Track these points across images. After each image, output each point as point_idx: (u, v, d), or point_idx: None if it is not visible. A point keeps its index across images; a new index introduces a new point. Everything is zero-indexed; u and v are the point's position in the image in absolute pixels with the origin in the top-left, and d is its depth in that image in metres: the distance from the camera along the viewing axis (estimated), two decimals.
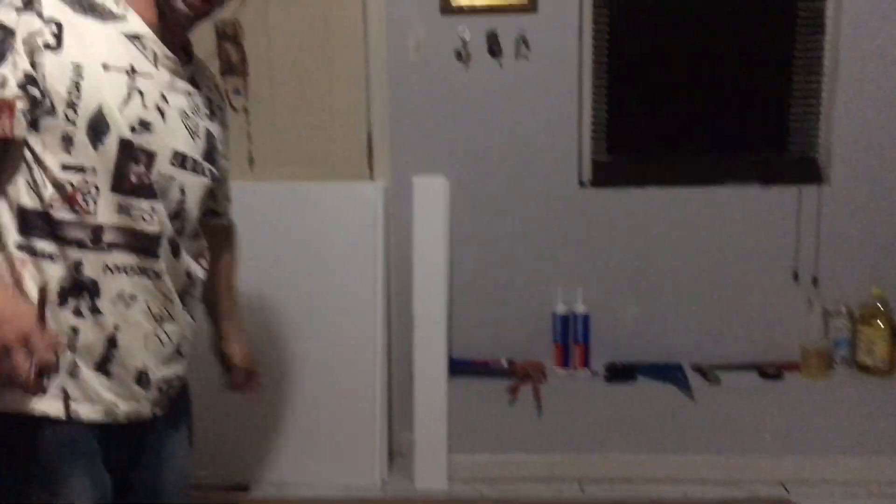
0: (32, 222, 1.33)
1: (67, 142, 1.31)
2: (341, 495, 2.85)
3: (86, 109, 1.31)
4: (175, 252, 1.45)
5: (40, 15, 1.29)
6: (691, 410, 2.85)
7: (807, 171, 2.94)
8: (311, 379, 2.90)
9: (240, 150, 3.00)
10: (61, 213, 1.33)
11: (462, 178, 2.97)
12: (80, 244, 1.34)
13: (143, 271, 1.40)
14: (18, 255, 1.33)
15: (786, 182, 2.92)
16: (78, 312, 1.36)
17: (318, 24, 2.97)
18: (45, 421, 1.36)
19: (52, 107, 1.30)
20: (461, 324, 3.05)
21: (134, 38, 1.38)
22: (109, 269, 1.37)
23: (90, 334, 1.37)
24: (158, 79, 1.40)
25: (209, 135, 1.51)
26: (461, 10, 2.87)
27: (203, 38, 2.88)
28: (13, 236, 1.33)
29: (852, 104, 2.86)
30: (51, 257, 1.34)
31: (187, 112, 1.45)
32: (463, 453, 2.92)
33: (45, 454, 1.37)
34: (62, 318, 1.35)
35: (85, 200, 1.33)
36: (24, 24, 1.28)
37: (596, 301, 3.00)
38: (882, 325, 2.85)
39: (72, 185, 1.32)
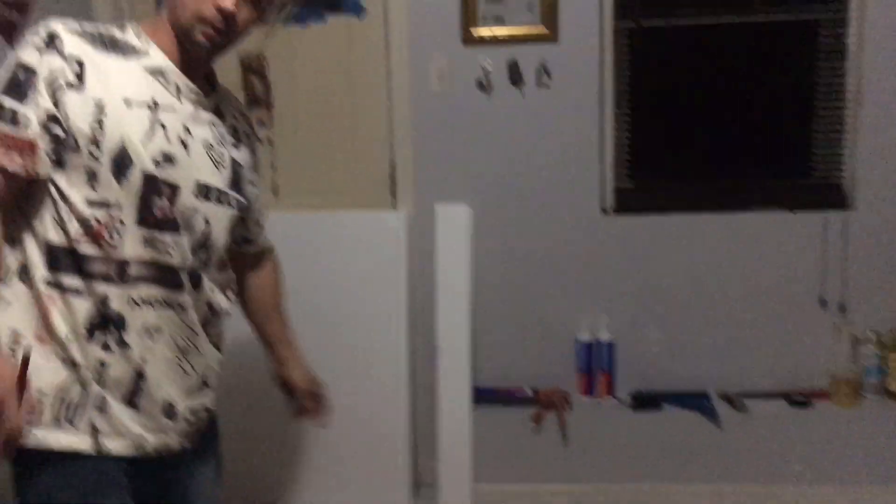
0: (59, 258, 1.35)
1: (92, 178, 1.33)
2: None
3: (109, 145, 1.32)
4: (195, 284, 1.45)
5: (62, 54, 1.32)
6: (719, 439, 2.82)
7: (832, 196, 2.92)
8: (336, 408, 2.89)
9: (264, 180, 3.03)
10: (87, 248, 1.34)
11: (485, 207, 2.98)
12: (106, 278, 1.35)
13: (168, 304, 1.41)
14: (46, 291, 1.35)
15: (810, 208, 2.90)
16: (106, 346, 1.37)
17: (341, 56, 3.01)
18: (75, 456, 1.37)
19: (76, 144, 1.31)
20: (485, 352, 3.04)
21: (156, 72, 1.39)
22: (135, 302, 1.38)
23: (118, 368, 1.38)
24: (181, 111, 1.41)
25: (235, 164, 1.52)
26: (483, 41, 2.89)
27: (229, 71, 2.93)
28: (41, 272, 1.35)
29: (877, 129, 2.85)
30: (78, 292, 1.35)
31: (211, 143, 1.46)
32: (487, 482, 2.90)
33: (76, 489, 1.37)
34: (90, 352, 1.36)
35: (110, 235, 1.35)
36: (47, 64, 1.31)
37: (620, 329, 2.99)
38: None
39: (97, 220, 1.34)
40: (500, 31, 2.88)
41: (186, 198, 1.41)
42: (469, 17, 2.88)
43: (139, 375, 1.40)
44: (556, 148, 2.94)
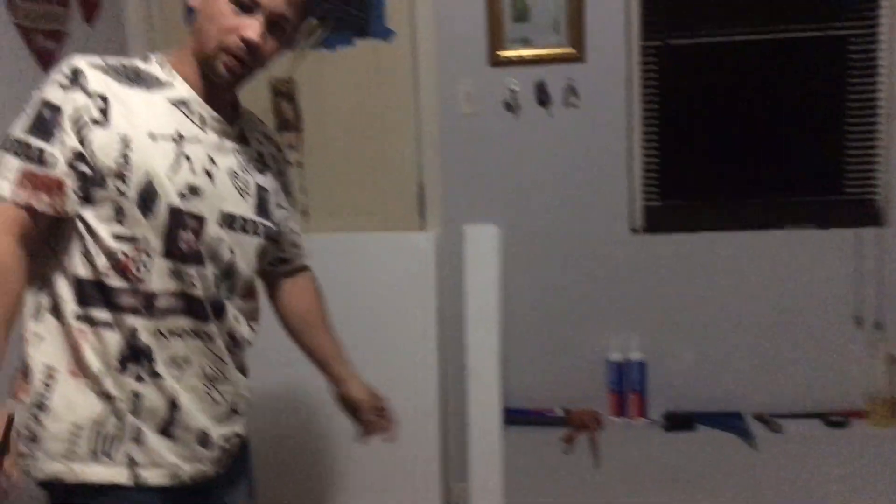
0: (88, 292, 1.35)
1: (118, 212, 1.33)
2: None
3: (135, 180, 1.32)
4: (218, 313, 1.45)
5: (86, 91, 1.32)
6: (754, 460, 2.78)
7: (865, 213, 2.89)
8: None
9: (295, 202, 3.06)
10: (115, 281, 1.35)
11: (514, 227, 2.98)
12: (134, 311, 1.36)
13: (196, 334, 1.42)
14: (77, 325, 1.36)
15: (843, 225, 2.87)
16: (139, 378, 1.38)
17: (369, 79, 3.04)
18: (113, 488, 1.37)
19: (102, 180, 1.32)
20: (515, 372, 3.03)
21: (180, 103, 1.40)
22: (163, 333, 1.38)
23: (152, 398, 1.39)
24: (206, 142, 1.41)
25: (260, 190, 1.51)
26: (510, 62, 2.91)
27: (259, 97, 2.97)
28: (71, 307, 1.36)
29: None
30: (108, 325, 1.36)
31: (236, 171, 1.46)
32: None
33: None
34: (124, 384, 1.37)
35: (138, 269, 1.35)
36: (71, 101, 1.31)
37: (651, 348, 2.97)
38: None
39: (124, 253, 1.34)
40: (527, 52, 2.90)
41: (212, 228, 1.41)
42: (496, 38, 2.90)
43: (173, 405, 1.41)
44: (585, 167, 2.94)
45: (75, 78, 1.33)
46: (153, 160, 1.34)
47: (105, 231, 1.34)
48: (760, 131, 2.97)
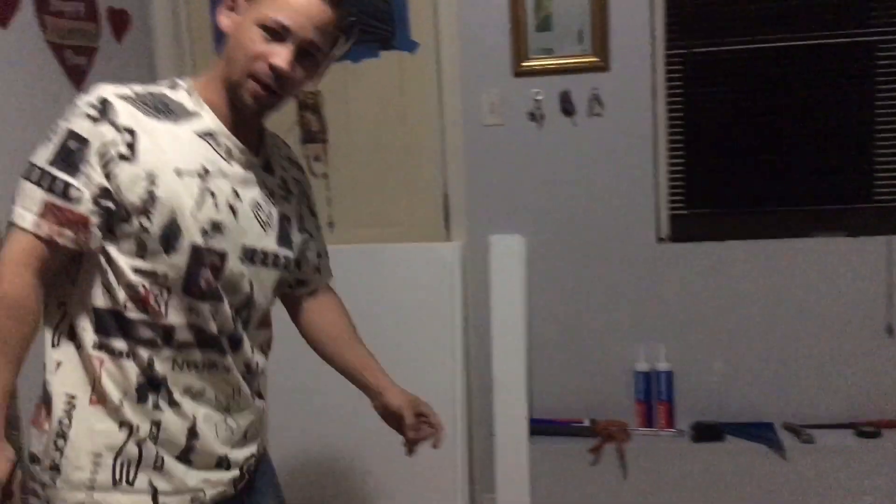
0: (107, 322, 1.35)
1: (141, 247, 1.33)
2: None
3: (159, 217, 1.31)
4: (235, 347, 1.44)
5: (115, 125, 1.30)
6: (784, 471, 2.74)
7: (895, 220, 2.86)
8: (392, 442, 2.90)
9: (320, 214, 3.06)
10: (134, 313, 1.35)
11: (539, 237, 2.98)
12: (152, 343, 1.36)
13: (212, 366, 1.41)
14: (96, 353, 1.35)
15: (873, 233, 2.84)
16: (157, 407, 1.37)
17: (394, 91, 3.06)
18: None
19: (127, 215, 1.31)
20: (541, 383, 3.02)
21: (207, 135, 1.39)
22: (179, 365, 1.38)
23: (171, 427, 1.39)
24: (232, 175, 1.40)
25: (283, 219, 1.51)
26: (533, 72, 2.91)
27: (285, 109, 2.98)
28: (90, 335, 1.36)
29: None
30: (126, 355, 1.35)
31: (260, 203, 1.45)
32: None
33: None
34: (143, 413, 1.37)
35: (157, 303, 1.35)
36: (99, 135, 1.29)
37: (679, 358, 2.94)
38: None
39: (144, 287, 1.34)
40: (551, 61, 2.90)
41: (233, 263, 1.40)
42: (519, 48, 2.90)
43: (191, 433, 1.41)
44: (610, 176, 2.93)
45: (104, 110, 1.31)
46: (179, 198, 1.32)
47: (126, 265, 1.33)
48: (787, 138, 2.94)
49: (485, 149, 2.99)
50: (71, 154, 1.29)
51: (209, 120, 1.39)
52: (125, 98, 1.34)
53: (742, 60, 2.92)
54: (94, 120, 1.30)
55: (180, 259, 1.34)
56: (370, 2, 3.01)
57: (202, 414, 1.42)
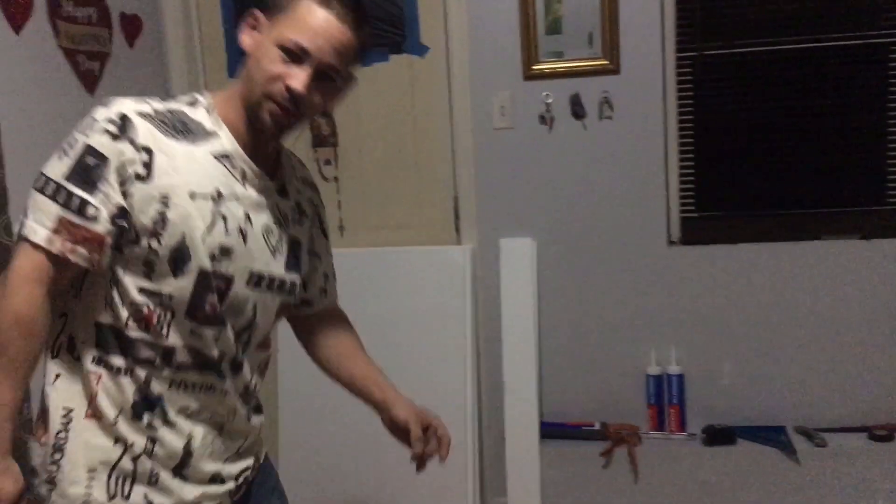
0: (108, 338, 1.35)
1: (148, 268, 1.32)
2: None
3: (169, 240, 1.30)
4: (236, 371, 1.44)
5: (133, 143, 1.28)
6: (796, 475, 2.73)
7: None
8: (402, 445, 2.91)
9: (330, 217, 3.08)
10: (135, 332, 1.34)
11: (549, 240, 2.98)
12: (150, 362, 1.35)
13: (209, 388, 1.41)
14: (94, 369, 1.35)
15: (886, 235, 2.82)
16: (151, 425, 1.37)
17: (404, 94, 3.07)
18: None
19: (137, 236, 1.30)
20: (552, 386, 3.02)
21: (223, 156, 1.37)
22: (176, 385, 1.38)
23: (167, 444, 1.38)
24: (245, 199, 1.39)
25: (293, 244, 1.49)
26: (543, 75, 2.91)
27: None
28: (90, 351, 1.35)
29: None
30: (123, 372, 1.35)
31: (272, 227, 1.43)
32: None
33: None
34: (139, 429, 1.36)
35: (159, 323, 1.34)
36: (118, 153, 1.28)
37: (690, 361, 2.94)
38: None
39: (148, 307, 1.33)
40: (561, 65, 2.90)
41: (239, 288, 1.39)
42: (530, 52, 2.91)
43: (186, 451, 1.40)
44: (620, 179, 2.93)
45: (124, 126, 1.29)
46: (190, 221, 1.31)
47: (132, 284, 1.32)
48: (799, 141, 2.93)
49: (495, 152, 2.99)
50: (88, 170, 1.27)
51: (226, 141, 1.38)
52: (144, 116, 1.32)
53: (753, 63, 2.91)
54: (114, 137, 1.28)
55: (187, 283, 1.33)
56: (381, 6, 3.02)
57: (197, 432, 1.41)
